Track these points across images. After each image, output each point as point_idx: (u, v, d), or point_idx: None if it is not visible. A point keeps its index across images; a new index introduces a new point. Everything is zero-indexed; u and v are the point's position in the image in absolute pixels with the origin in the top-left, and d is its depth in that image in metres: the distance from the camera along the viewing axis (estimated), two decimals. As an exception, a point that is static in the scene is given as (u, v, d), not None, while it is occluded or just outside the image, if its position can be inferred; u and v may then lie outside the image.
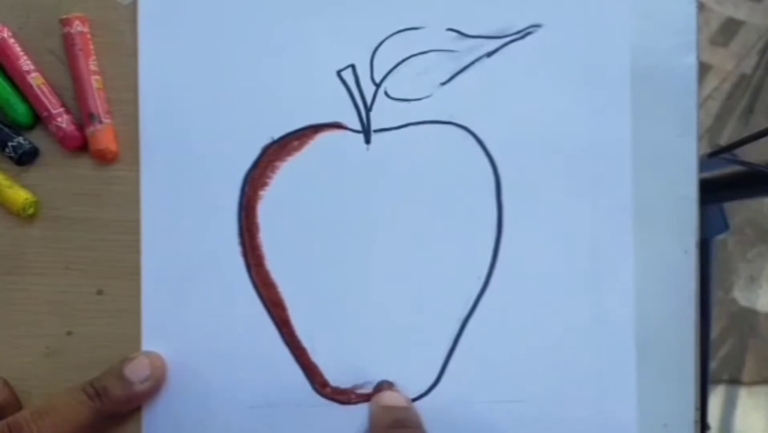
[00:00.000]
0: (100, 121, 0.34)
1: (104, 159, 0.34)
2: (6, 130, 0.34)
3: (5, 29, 0.34)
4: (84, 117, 0.34)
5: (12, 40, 0.34)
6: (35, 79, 0.34)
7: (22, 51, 0.34)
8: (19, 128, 0.34)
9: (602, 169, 0.35)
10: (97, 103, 0.34)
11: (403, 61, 0.35)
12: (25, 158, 0.34)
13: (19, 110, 0.34)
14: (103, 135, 0.34)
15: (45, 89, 0.34)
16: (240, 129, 0.35)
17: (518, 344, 0.35)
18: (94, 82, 0.34)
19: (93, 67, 0.34)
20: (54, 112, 0.34)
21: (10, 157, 0.34)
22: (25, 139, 0.34)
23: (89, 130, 0.34)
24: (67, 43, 0.34)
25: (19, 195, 0.34)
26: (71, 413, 0.31)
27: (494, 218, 0.35)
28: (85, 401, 0.31)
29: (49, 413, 0.31)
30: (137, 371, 0.32)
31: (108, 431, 0.33)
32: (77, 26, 0.34)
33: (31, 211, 0.34)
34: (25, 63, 0.34)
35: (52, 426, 0.31)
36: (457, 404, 0.34)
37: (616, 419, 0.34)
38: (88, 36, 0.34)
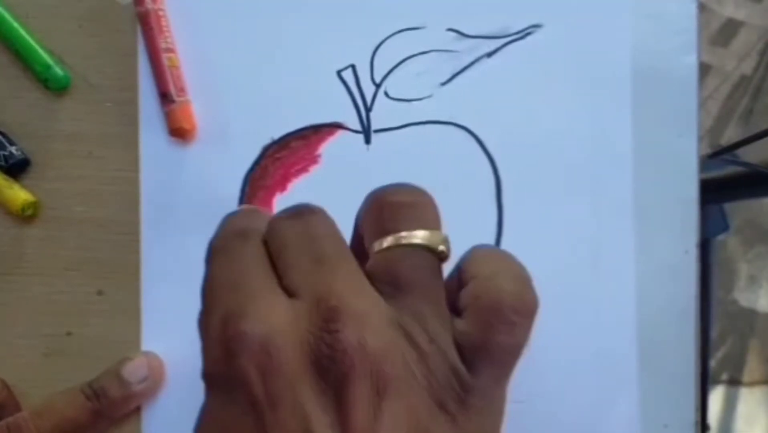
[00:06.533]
0: (173, 100, 0.33)
1: (181, 137, 0.34)
2: (0, 138, 0.34)
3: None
4: (159, 96, 0.34)
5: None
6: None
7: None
8: (54, 90, 0.34)
9: (603, 170, 0.35)
10: (170, 82, 0.33)
11: (403, 61, 0.35)
12: (15, 168, 0.34)
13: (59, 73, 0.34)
14: (177, 113, 0.33)
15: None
16: (240, 129, 0.35)
17: (518, 344, 0.35)
18: (166, 60, 0.33)
19: (166, 45, 0.34)
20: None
21: (1, 166, 0.34)
22: (17, 150, 0.34)
23: (165, 109, 0.34)
24: (141, 21, 0.34)
25: (19, 195, 0.34)
26: (70, 413, 0.31)
27: (494, 219, 0.35)
28: (84, 401, 0.32)
29: (48, 413, 0.31)
30: (135, 372, 0.32)
31: (107, 431, 0.33)
32: (149, 3, 0.34)
33: (30, 211, 0.34)
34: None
35: (50, 426, 0.31)
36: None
37: (617, 419, 0.34)
38: (161, 13, 0.34)
